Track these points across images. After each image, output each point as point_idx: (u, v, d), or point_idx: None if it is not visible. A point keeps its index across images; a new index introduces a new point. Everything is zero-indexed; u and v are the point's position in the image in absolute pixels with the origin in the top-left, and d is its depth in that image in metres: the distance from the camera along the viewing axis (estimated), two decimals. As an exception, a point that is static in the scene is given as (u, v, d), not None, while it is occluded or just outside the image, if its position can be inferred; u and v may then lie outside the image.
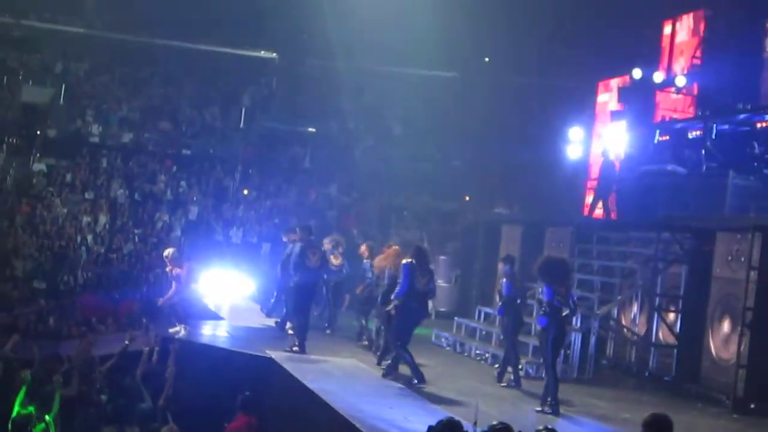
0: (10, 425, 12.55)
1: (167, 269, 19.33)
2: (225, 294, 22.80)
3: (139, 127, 34.02)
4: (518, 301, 16.55)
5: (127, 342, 16.66)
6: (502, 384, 15.94)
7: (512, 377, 16.08)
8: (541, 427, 10.11)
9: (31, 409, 12.86)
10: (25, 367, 14.59)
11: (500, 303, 16.72)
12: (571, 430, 12.50)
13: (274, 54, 36.60)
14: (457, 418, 9.99)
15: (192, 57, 34.87)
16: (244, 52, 36.06)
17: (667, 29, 25.32)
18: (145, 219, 30.45)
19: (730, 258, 16.33)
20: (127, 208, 30.70)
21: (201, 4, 33.83)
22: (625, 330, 19.43)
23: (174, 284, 18.79)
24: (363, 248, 20.04)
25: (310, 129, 35.78)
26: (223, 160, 33.79)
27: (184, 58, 34.65)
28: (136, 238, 29.44)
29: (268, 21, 35.06)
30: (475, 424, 9.39)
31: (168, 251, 19.58)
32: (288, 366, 15.61)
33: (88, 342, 16.88)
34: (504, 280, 16.63)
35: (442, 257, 26.94)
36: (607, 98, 26.30)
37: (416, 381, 15.07)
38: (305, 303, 17.99)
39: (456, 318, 21.98)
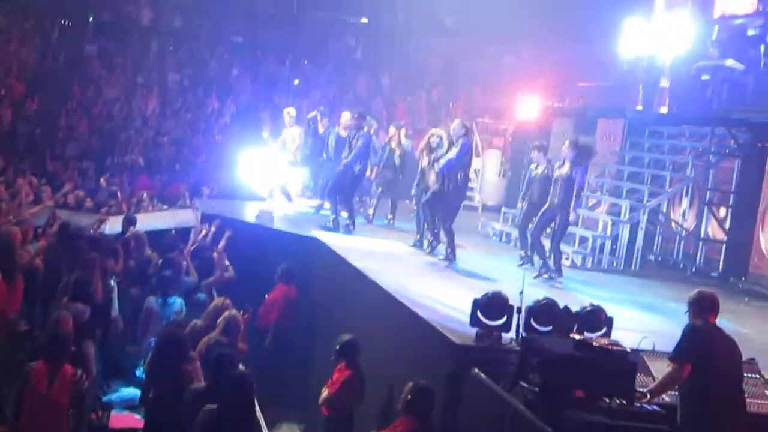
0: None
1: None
2: (272, 177, 22.81)
3: (190, 12, 33.75)
4: None
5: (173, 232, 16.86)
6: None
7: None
8: (587, 305, 10.11)
9: None
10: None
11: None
12: (618, 313, 12.39)
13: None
14: (503, 292, 10.02)
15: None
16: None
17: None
18: (194, 104, 30.42)
19: (786, 150, 16.08)
20: (177, 93, 30.68)
21: None
22: (673, 224, 19.29)
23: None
24: (392, 131, 20.28)
25: (362, 20, 35.39)
26: (275, 48, 33.54)
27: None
28: (186, 123, 29.45)
29: None
30: (521, 293, 9.37)
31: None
32: (333, 245, 15.68)
33: (100, 220, 16.92)
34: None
35: (493, 150, 26.82)
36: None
37: (448, 259, 15.47)
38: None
39: (503, 209, 21.88)
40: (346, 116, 19.73)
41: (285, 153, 20.97)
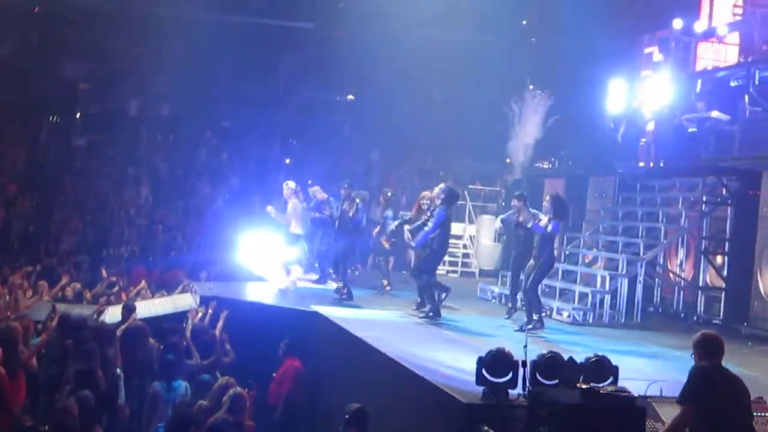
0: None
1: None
2: (269, 256, 22.90)
3: (177, 100, 34.05)
4: None
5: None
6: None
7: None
8: (591, 355, 10.09)
9: None
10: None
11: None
12: (623, 363, 12.38)
13: (311, 24, 36.36)
14: (507, 349, 10.01)
15: (229, 29, 34.76)
16: (281, 23, 35.90)
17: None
18: (186, 190, 30.56)
19: (777, 197, 16.20)
20: (169, 181, 30.83)
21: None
22: (671, 275, 19.34)
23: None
24: (381, 198, 20.75)
25: (349, 97, 35.74)
26: (263, 130, 33.80)
27: (221, 30, 34.53)
28: (179, 210, 29.57)
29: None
30: (525, 347, 9.37)
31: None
32: (334, 317, 15.69)
33: (100, 311, 16.90)
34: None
35: (486, 216, 26.94)
36: (648, 51, 25.97)
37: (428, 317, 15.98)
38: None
39: (501, 272, 21.93)
40: (316, 189, 20.72)
41: (287, 227, 21.11)
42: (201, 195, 30.32)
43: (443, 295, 16.36)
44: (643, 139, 21.83)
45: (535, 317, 15.42)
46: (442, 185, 16.74)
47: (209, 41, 33.53)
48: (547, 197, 16.10)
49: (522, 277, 16.16)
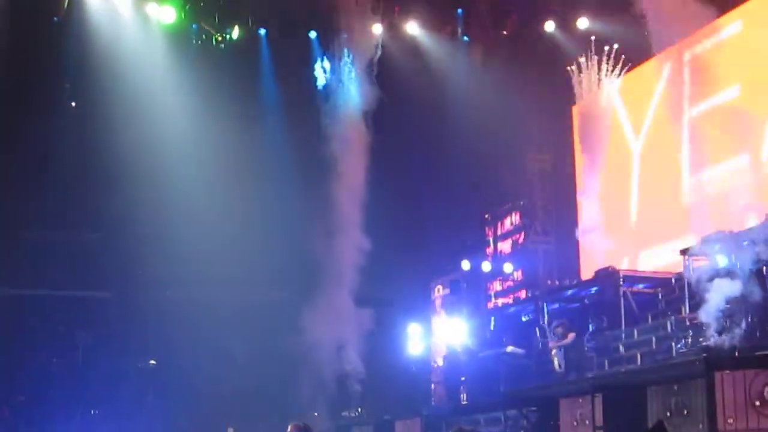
0: None
1: None
2: None
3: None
4: None
5: None
6: None
7: None
8: None
9: None
10: None
11: None
12: None
13: (107, 292, 36.05)
14: None
15: (23, 303, 34.14)
16: (76, 293, 35.47)
17: (489, 224, 26.31)
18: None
19: (575, 423, 16.55)
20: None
21: (23, 248, 33.78)
22: None
23: None
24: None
25: (151, 362, 35.19)
26: (63, 403, 32.76)
27: (14, 304, 33.88)
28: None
29: (98, 261, 35.02)
30: None
31: None
32: None
33: None
34: None
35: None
36: (442, 294, 26.78)
37: None
38: None
39: None
40: None
41: None
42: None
43: None
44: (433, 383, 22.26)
45: None
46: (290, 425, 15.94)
47: (3, 317, 32.85)
48: None
49: None
